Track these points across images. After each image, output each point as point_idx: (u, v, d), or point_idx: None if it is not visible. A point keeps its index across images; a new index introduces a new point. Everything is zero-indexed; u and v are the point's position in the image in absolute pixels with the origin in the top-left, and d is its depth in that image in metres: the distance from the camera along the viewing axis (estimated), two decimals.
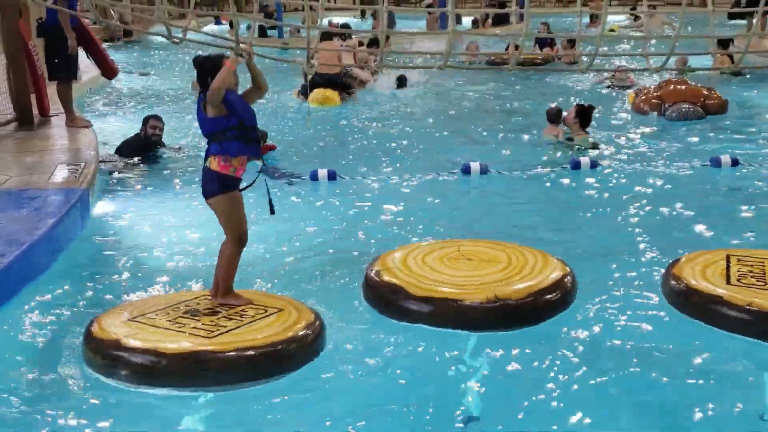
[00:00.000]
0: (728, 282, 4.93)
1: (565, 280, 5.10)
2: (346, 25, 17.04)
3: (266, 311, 4.70)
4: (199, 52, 5.40)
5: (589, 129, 9.89)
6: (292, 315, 4.65)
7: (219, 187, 4.72)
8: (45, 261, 5.87)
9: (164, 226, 6.97)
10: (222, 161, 4.70)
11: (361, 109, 12.73)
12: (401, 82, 14.34)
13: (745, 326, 4.67)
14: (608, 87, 13.80)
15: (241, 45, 4.80)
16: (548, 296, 4.93)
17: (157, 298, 5.15)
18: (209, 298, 4.91)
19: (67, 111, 9.43)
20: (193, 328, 4.49)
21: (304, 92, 12.91)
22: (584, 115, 9.75)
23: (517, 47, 6.02)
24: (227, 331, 4.44)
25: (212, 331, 4.44)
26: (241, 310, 4.73)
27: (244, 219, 4.83)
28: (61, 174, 7.46)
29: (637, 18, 23.03)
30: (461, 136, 10.74)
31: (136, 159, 9.00)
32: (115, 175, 8.54)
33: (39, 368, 4.54)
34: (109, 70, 10.30)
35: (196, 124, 4.93)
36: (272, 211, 5.03)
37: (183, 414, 4.17)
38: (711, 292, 4.84)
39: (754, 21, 10.96)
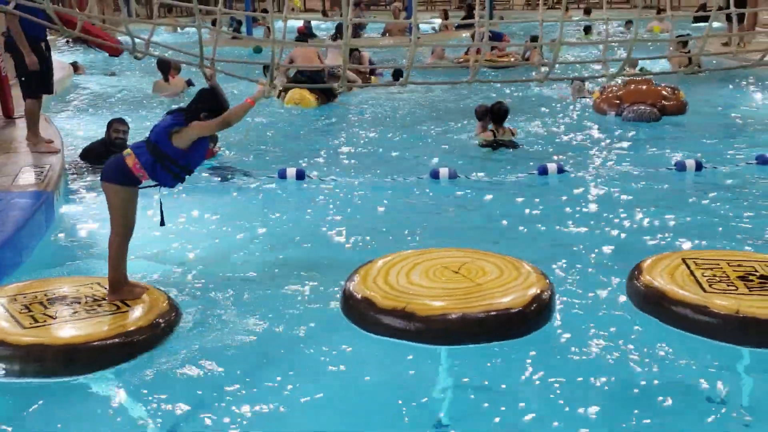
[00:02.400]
0: (704, 289, 4.95)
1: (512, 308, 4.77)
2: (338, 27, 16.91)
3: (118, 307, 4.84)
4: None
5: (510, 124, 10.36)
6: (134, 314, 4.75)
7: (122, 179, 4.80)
8: (9, 264, 5.85)
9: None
10: (139, 167, 4.77)
11: (337, 110, 12.77)
12: (396, 76, 14.56)
13: (732, 333, 4.69)
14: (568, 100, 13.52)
15: (205, 66, 4.86)
16: (455, 317, 4.68)
17: (46, 282, 5.30)
18: (94, 285, 5.08)
19: (35, 133, 8.69)
20: (29, 316, 4.68)
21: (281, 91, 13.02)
22: (492, 113, 10.16)
23: (478, 51, 6.11)
24: (45, 325, 4.59)
25: (34, 322, 4.61)
26: (99, 304, 4.86)
27: (134, 213, 4.91)
28: (26, 176, 7.43)
29: None
30: (433, 139, 10.84)
31: (102, 163, 8.96)
32: (81, 178, 8.52)
33: None
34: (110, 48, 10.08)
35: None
36: (162, 223, 5.13)
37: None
38: (692, 301, 4.84)
39: (712, 24, 11.15)
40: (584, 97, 13.16)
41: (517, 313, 4.78)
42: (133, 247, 6.45)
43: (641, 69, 14.07)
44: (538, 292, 4.94)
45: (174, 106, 4.99)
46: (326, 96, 13.06)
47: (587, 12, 26.08)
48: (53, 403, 4.26)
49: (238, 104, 4.81)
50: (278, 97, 13.05)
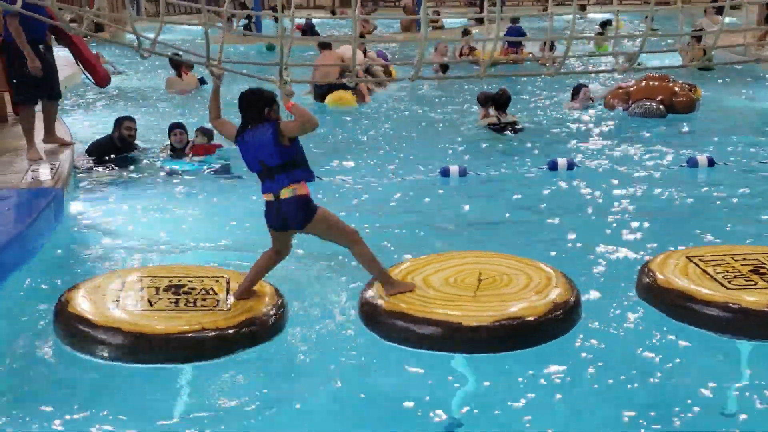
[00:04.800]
0: (725, 287, 4.83)
1: (461, 323, 4.51)
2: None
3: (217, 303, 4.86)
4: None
5: (513, 110, 11.03)
6: (248, 305, 4.79)
7: (314, 207, 4.72)
8: (18, 260, 5.85)
9: (138, 226, 6.97)
10: (306, 187, 4.72)
11: (354, 112, 12.71)
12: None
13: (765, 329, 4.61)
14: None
15: (213, 65, 4.79)
16: (398, 316, 4.65)
17: (149, 269, 5.39)
18: (192, 278, 5.10)
19: (28, 141, 8.15)
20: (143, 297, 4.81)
21: (316, 95, 13.02)
22: (494, 100, 10.78)
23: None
24: (168, 310, 4.67)
25: (149, 305, 4.71)
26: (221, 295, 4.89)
27: (338, 218, 4.83)
28: (35, 173, 7.44)
29: None
30: (449, 138, 10.77)
31: (108, 159, 8.99)
32: (89, 174, 8.53)
33: (14, 364, 4.60)
34: (97, 77, 9.74)
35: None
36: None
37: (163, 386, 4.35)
38: (719, 299, 4.69)
39: (725, 19, 11.07)
40: (590, 106, 12.54)
41: (456, 329, 4.51)
42: (129, 239, 6.45)
43: (638, 64, 13.85)
44: (514, 316, 4.57)
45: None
46: (362, 96, 13.02)
47: (582, 8, 25.52)
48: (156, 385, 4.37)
49: (296, 113, 4.61)
50: (315, 98, 12.98)
